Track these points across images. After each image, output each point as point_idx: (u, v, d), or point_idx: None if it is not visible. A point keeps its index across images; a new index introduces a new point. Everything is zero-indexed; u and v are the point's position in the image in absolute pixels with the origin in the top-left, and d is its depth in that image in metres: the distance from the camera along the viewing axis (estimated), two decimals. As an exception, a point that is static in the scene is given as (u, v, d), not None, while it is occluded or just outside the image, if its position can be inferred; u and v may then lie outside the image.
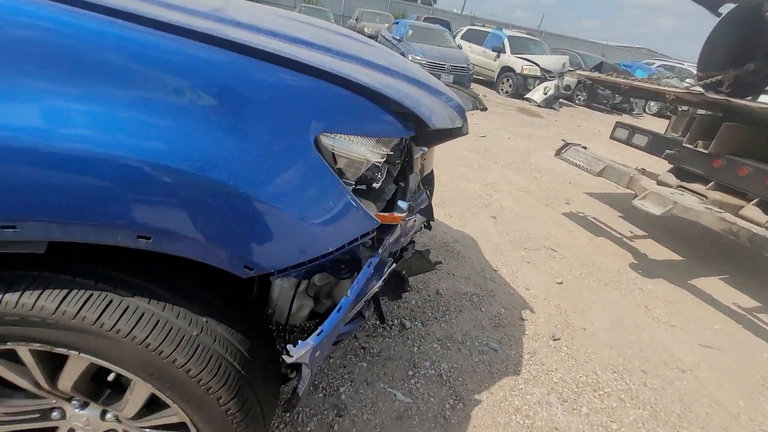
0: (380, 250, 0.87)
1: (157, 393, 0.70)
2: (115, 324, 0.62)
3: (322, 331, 0.69)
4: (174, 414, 0.74)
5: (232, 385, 0.72)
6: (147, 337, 0.64)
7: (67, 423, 0.80)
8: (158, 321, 0.66)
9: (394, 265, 1.12)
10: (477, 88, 10.29)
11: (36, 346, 0.65)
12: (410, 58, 8.61)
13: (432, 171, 1.80)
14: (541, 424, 1.42)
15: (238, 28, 0.78)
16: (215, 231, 0.62)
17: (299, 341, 0.67)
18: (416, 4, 20.80)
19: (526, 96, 9.18)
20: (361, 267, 0.84)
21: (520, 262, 2.48)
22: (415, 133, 0.86)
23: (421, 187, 1.25)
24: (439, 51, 8.97)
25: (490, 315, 1.94)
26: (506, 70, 9.89)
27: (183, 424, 0.75)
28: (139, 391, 0.71)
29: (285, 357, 0.65)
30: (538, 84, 9.25)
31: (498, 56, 10.21)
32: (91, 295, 0.62)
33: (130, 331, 0.63)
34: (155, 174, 0.56)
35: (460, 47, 10.51)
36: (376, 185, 0.92)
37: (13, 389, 0.74)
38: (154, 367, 0.66)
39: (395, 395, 1.41)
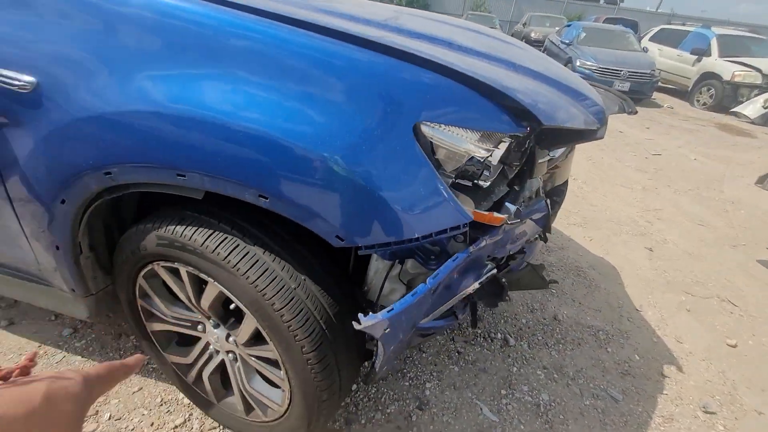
0: (471, 248, 0.84)
1: (260, 328, 0.85)
2: (237, 263, 0.78)
3: (392, 309, 0.72)
4: (270, 350, 0.88)
5: (315, 339, 0.82)
6: (257, 279, 0.78)
7: (206, 336, 1.04)
8: (267, 269, 0.79)
9: (495, 271, 1.07)
10: (663, 98, 8.65)
11: (189, 268, 0.87)
12: (578, 63, 7.82)
13: (566, 182, 1.64)
14: (661, 506, 1.14)
15: (368, 25, 0.87)
16: (317, 200, 0.72)
17: (371, 313, 0.72)
18: (597, 5, 18.63)
19: (733, 109, 7.25)
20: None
21: (677, 308, 2.01)
22: (527, 130, 0.80)
23: (541, 194, 1.14)
24: (615, 55, 7.86)
25: (618, 359, 1.64)
26: (708, 76, 8.00)
27: (277, 362, 0.89)
28: (248, 323, 0.87)
29: (354, 323, 0.70)
30: (756, 95, 7.19)
31: (698, 60, 8.34)
32: (226, 238, 0.80)
33: (246, 271, 0.78)
34: (290, 149, 0.68)
35: (645, 50, 8.99)
36: (483, 183, 0.90)
37: (176, 299, 1.01)
38: (258, 305, 0.80)
39: (481, 408, 1.34)
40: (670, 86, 9.54)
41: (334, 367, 0.86)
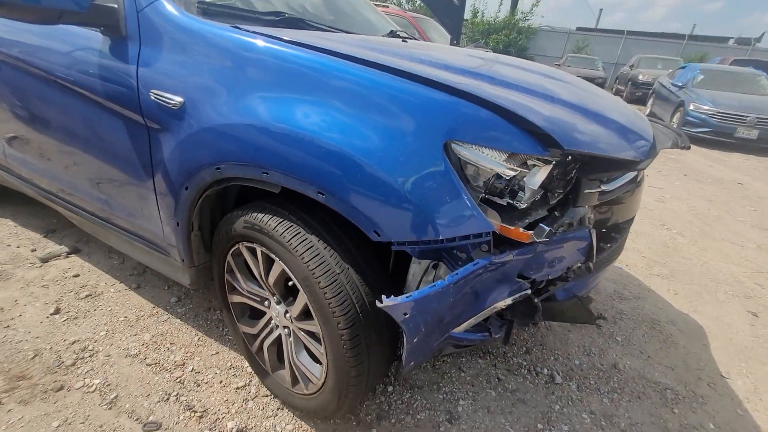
0: (493, 258, 0.92)
1: (308, 303, 1.03)
2: (297, 246, 0.98)
3: (411, 295, 0.84)
4: (315, 325, 1.05)
5: (350, 319, 0.96)
6: (310, 260, 0.97)
7: (270, 311, 1.26)
8: (319, 254, 0.98)
9: (529, 291, 1.11)
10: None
11: (264, 249, 1.10)
12: (691, 107, 7.12)
13: (631, 220, 1.59)
14: None
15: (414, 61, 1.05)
16: (362, 200, 0.89)
17: (392, 296, 0.85)
18: (725, 46, 16.70)
19: None
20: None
21: (779, 384, 1.71)
22: (545, 151, 0.88)
23: (587, 224, 1.17)
24: (739, 99, 6.99)
25: (686, 423, 1.47)
26: None
27: (319, 337, 1.06)
28: (300, 299, 1.06)
29: (377, 301, 0.84)
30: None
31: None
32: (291, 225, 1.01)
33: (302, 253, 0.98)
34: (345, 159, 0.88)
35: (783, 95, 7.79)
36: (519, 204, 0.99)
37: (252, 277, 1.25)
38: (308, 282, 0.98)
39: (512, 436, 1.33)
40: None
41: (363, 347, 0.99)
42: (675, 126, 7.37)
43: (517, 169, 0.91)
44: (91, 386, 1.34)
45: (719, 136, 6.81)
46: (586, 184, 1.14)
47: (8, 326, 1.56)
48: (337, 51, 0.98)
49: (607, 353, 1.77)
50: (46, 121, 1.48)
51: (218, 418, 1.27)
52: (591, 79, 13.38)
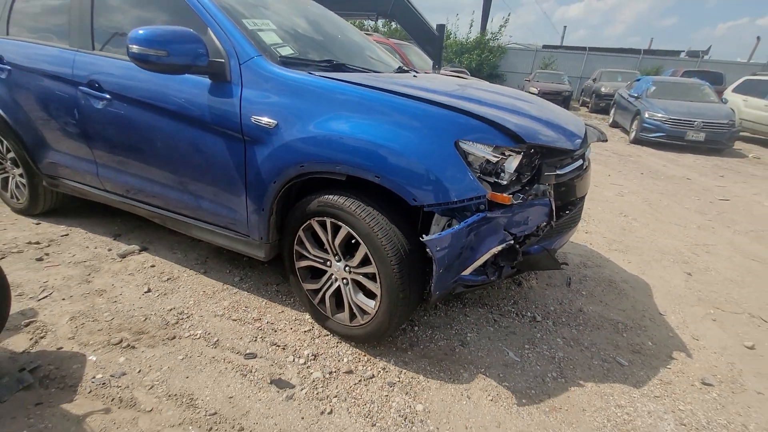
0: (488, 213, 1.46)
1: (368, 253, 1.54)
2: (360, 213, 1.50)
3: (441, 233, 1.37)
4: (372, 269, 1.56)
5: (399, 258, 1.47)
6: (371, 221, 1.49)
7: (332, 269, 1.75)
8: (375, 217, 1.50)
9: (512, 241, 1.65)
10: (750, 149, 8.30)
11: (333, 220, 1.60)
12: (647, 115, 7.99)
13: (584, 196, 2.14)
14: (640, 424, 1.53)
15: (427, 92, 1.61)
16: (404, 179, 1.42)
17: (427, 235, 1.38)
18: (677, 59, 18.24)
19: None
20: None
21: (702, 318, 2.29)
22: (516, 144, 1.44)
23: (548, 195, 1.71)
24: (687, 107, 7.91)
25: (632, 342, 2.01)
26: (801, 126, 7.58)
27: (374, 275, 1.56)
28: (361, 251, 1.57)
29: (420, 238, 1.36)
30: None
31: (788, 110, 7.97)
32: (355, 201, 1.53)
33: (365, 217, 1.49)
34: (394, 153, 1.41)
35: (724, 101, 8.81)
36: (501, 182, 1.54)
37: (317, 245, 1.75)
38: (370, 238, 1.49)
39: (508, 352, 1.84)
40: (760, 137, 9.09)
41: (407, 276, 1.51)
42: (634, 132, 8.24)
43: (499, 156, 1.46)
44: (196, 335, 1.79)
45: (672, 140, 7.67)
46: (545, 169, 1.71)
47: (115, 301, 2.00)
48: (378, 86, 1.53)
49: (574, 302, 2.32)
50: (149, 142, 1.97)
51: (296, 348, 1.74)
52: (558, 93, 14.29)
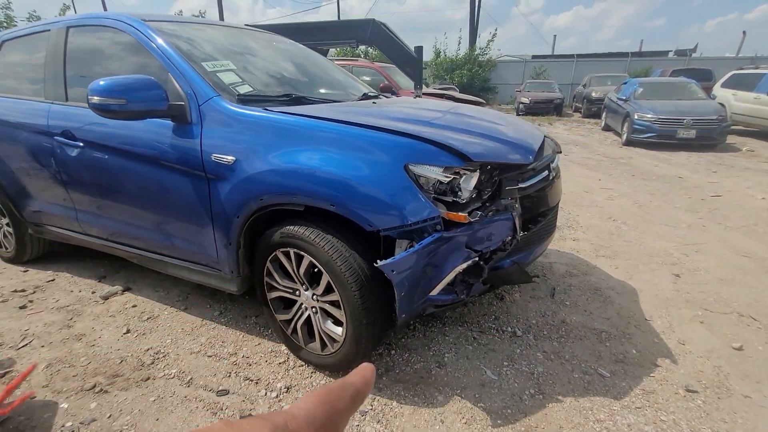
0: (443, 233, 1.47)
1: (330, 281, 1.54)
2: (319, 242, 1.52)
3: (393, 258, 1.38)
4: (336, 295, 1.56)
5: (359, 283, 1.48)
6: (329, 249, 1.50)
7: (300, 299, 1.76)
8: (334, 245, 1.51)
9: (477, 258, 1.65)
10: (744, 142, 8.26)
11: (295, 250, 1.62)
12: (636, 116, 8.02)
13: (555, 206, 2.14)
14: (620, 439, 1.48)
15: (380, 118, 1.65)
16: (357, 205, 1.45)
17: (383, 260, 1.38)
18: (665, 59, 18.42)
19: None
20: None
21: (689, 320, 2.24)
22: (464, 162, 1.46)
23: (512, 210, 1.72)
24: (675, 105, 7.94)
25: (615, 351, 1.97)
26: (791, 116, 7.56)
27: (339, 302, 1.56)
28: (323, 279, 1.58)
29: (374, 263, 1.37)
30: None
31: (777, 101, 7.97)
32: (314, 230, 1.55)
33: (324, 245, 1.51)
34: (344, 182, 1.43)
35: (713, 97, 8.84)
36: (459, 200, 1.56)
37: (285, 275, 1.76)
38: (330, 266, 1.51)
39: (485, 371, 1.81)
40: (752, 129, 9.06)
41: (369, 301, 1.51)
42: (626, 134, 8.26)
43: (451, 176, 1.48)
44: (170, 374, 1.79)
45: (663, 139, 7.67)
46: (506, 183, 1.73)
47: (93, 345, 2.01)
48: (330, 117, 1.58)
49: (558, 314, 2.28)
50: (121, 185, 2.02)
51: (269, 382, 1.73)
52: (550, 101, 14.44)
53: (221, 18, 20.77)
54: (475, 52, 19.03)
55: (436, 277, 1.58)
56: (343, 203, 1.47)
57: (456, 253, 1.57)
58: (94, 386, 1.71)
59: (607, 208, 4.22)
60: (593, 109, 13.15)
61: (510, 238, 1.75)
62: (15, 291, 2.51)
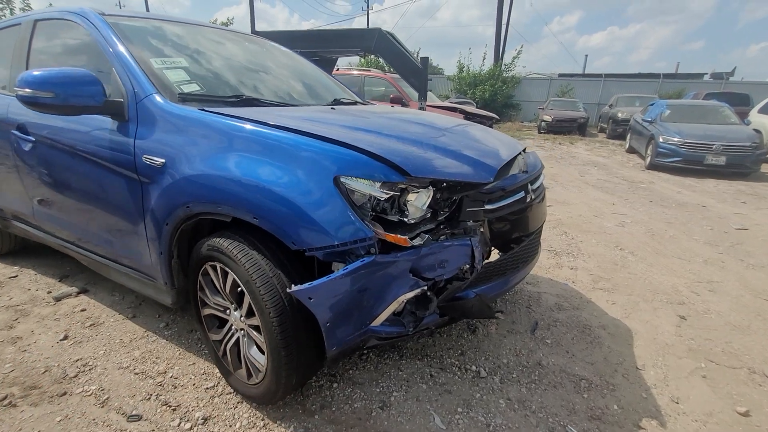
0: (378, 257, 1.26)
1: (251, 302, 1.37)
2: (241, 258, 1.35)
3: (312, 284, 1.19)
4: (256, 318, 1.38)
5: (279, 310, 1.29)
6: (250, 267, 1.33)
7: (230, 318, 1.59)
8: (257, 262, 1.34)
9: (425, 287, 1.44)
10: (781, 173, 7.66)
11: (221, 265, 1.46)
12: (661, 139, 7.58)
13: (535, 231, 1.91)
14: None
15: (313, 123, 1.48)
16: (281, 220, 1.27)
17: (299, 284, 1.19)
18: (700, 81, 17.64)
19: None
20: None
21: (689, 373, 1.93)
22: (404, 178, 1.27)
23: (475, 234, 1.51)
24: (704, 130, 7.47)
25: (593, 405, 1.70)
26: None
27: (259, 327, 1.38)
28: (246, 301, 1.40)
29: (287, 288, 1.18)
30: None
31: (820, 129, 7.36)
32: (238, 243, 1.38)
33: (244, 263, 1.34)
34: (267, 192, 1.27)
35: (748, 123, 8.28)
36: (408, 220, 1.36)
37: (216, 291, 1.60)
38: (249, 284, 1.33)
39: (434, 417, 1.58)
40: (792, 159, 8.38)
41: (290, 332, 1.31)
42: (649, 157, 7.81)
43: (390, 192, 1.29)
44: (88, 391, 1.64)
45: (690, 164, 7.19)
46: (468, 204, 1.52)
47: (25, 350, 1.89)
48: (261, 120, 1.42)
49: (534, 353, 2.02)
50: (67, 184, 1.93)
51: (188, 409, 1.56)
52: (573, 120, 14.06)
53: (252, 28, 21.40)
54: (500, 68, 18.79)
55: (376, 306, 1.37)
56: (266, 216, 1.29)
57: (399, 280, 1.37)
58: (5, 398, 1.59)
59: (616, 236, 3.88)
60: (618, 130, 12.64)
61: (468, 266, 1.53)
62: (-26, 285, 2.46)
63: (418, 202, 1.40)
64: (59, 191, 2.00)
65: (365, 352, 1.94)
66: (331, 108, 1.99)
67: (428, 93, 7.99)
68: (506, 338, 2.13)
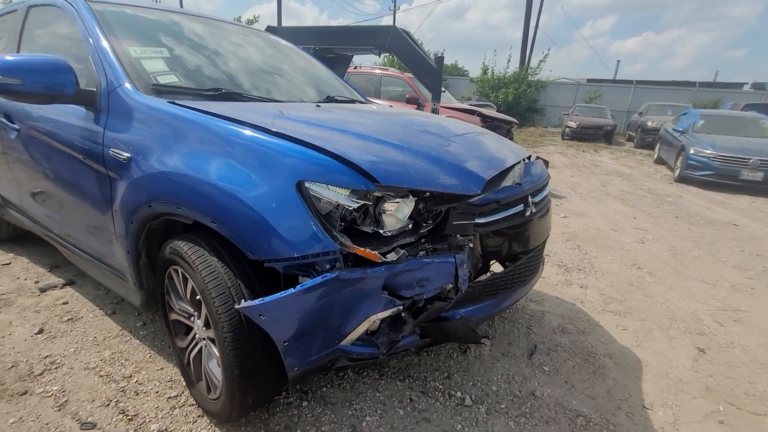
0: (342, 273, 1.13)
1: (207, 313, 1.26)
2: (198, 265, 1.24)
3: (263, 300, 1.06)
4: (212, 330, 1.27)
5: (233, 325, 1.17)
6: (206, 275, 1.21)
7: (195, 326, 1.48)
8: (214, 270, 1.22)
9: (401, 307, 1.29)
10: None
11: (181, 269, 1.35)
12: (692, 151, 7.16)
13: (534, 248, 1.75)
14: None
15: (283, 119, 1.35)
16: (238, 227, 1.15)
17: (249, 300, 1.07)
18: (740, 91, 16.70)
19: None
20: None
21: (704, 417, 1.72)
22: (374, 186, 1.13)
23: (456, 248, 1.35)
24: (741, 143, 7.00)
25: (589, 447, 1.51)
26: None
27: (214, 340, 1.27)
28: (204, 310, 1.29)
29: (235, 304, 1.06)
30: None
31: None
32: (197, 249, 1.27)
33: (201, 270, 1.23)
34: (223, 194, 1.16)
35: (790, 137, 7.72)
36: (384, 232, 1.22)
37: (179, 296, 1.50)
38: (204, 294, 1.22)
39: (406, 450, 1.43)
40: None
41: (246, 350, 1.20)
42: (679, 169, 7.38)
43: (359, 201, 1.15)
44: (49, 392, 1.58)
45: (723, 179, 6.75)
46: (455, 217, 1.37)
47: (-2, 343, 1.85)
48: (225, 115, 1.31)
49: (529, 381, 1.84)
50: (47, 174, 1.88)
51: (145, 421, 1.46)
52: (599, 127, 13.57)
53: (279, 23, 21.60)
54: (525, 71, 18.32)
55: (345, 324, 1.25)
56: (224, 221, 1.18)
57: (370, 298, 1.23)
58: (-35, 393, 1.54)
59: (634, 253, 3.62)
60: (648, 139, 12.09)
61: (451, 286, 1.38)
62: (-34, 271, 2.46)
63: (398, 213, 1.26)
64: (40, 181, 1.95)
65: (343, 370, 1.81)
66: (317, 105, 1.86)
67: (446, 94, 7.79)
68: (500, 362, 1.96)
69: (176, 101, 1.44)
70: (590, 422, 1.63)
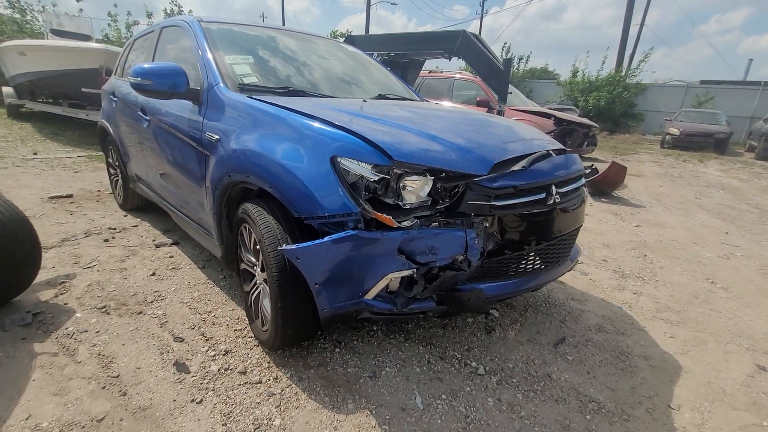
0: (361, 232, 1.39)
1: (263, 258, 1.62)
2: (258, 221, 1.61)
3: (299, 245, 1.38)
4: (266, 273, 1.63)
5: (280, 268, 1.51)
6: (263, 229, 1.58)
7: (256, 274, 1.87)
8: (269, 225, 1.58)
9: (413, 270, 1.52)
10: None
11: (248, 226, 1.74)
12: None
13: (557, 236, 1.83)
14: None
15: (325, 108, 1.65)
16: (287, 191, 1.49)
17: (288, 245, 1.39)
18: None
19: None
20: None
21: (739, 428, 1.63)
22: (390, 162, 1.37)
23: (469, 225, 1.53)
24: None
25: (593, 429, 1.56)
26: None
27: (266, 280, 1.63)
28: (260, 257, 1.66)
29: (279, 247, 1.39)
30: None
31: None
32: (260, 210, 1.65)
33: (261, 224, 1.59)
34: (280, 166, 1.51)
35: None
36: (404, 204, 1.47)
37: (246, 249, 1.90)
38: (260, 243, 1.58)
39: (416, 396, 1.64)
40: None
41: (289, 287, 1.53)
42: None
43: (379, 175, 1.41)
44: (156, 314, 2.10)
45: None
46: (470, 197, 1.56)
47: (127, 278, 2.48)
48: (293, 108, 1.66)
49: (548, 366, 1.91)
50: (165, 154, 2.47)
51: (217, 341, 1.89)
52: (709, 135, 12.00)
53: (366, 31, 22.84)
54: (621, 73, 16.75)
55: (366, 279, 1.51)
56: (278, 186, 1.53)
57: (387, 258, 1.48)
58: (105, 307, 2.13)
59: (712, 267, 3.30)
60: (772, 149, 10.32)
61: (462, 257, 1.56)
62: (109, 228, 3.25)
63: (417, 188, 1.49)
64: (161, 160, 2.56)
65: (374, 328, 2.07)
66: (363, 101, 2.16)
67: (521, 97, 7.63)
68: (522, 346, 2.05)
69: (254, 96, 1.85)
70: (603, 408, 1.67)
